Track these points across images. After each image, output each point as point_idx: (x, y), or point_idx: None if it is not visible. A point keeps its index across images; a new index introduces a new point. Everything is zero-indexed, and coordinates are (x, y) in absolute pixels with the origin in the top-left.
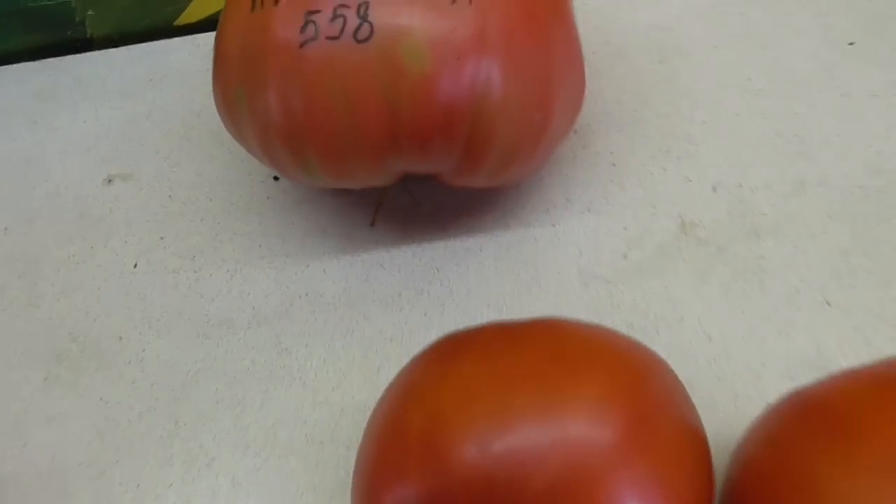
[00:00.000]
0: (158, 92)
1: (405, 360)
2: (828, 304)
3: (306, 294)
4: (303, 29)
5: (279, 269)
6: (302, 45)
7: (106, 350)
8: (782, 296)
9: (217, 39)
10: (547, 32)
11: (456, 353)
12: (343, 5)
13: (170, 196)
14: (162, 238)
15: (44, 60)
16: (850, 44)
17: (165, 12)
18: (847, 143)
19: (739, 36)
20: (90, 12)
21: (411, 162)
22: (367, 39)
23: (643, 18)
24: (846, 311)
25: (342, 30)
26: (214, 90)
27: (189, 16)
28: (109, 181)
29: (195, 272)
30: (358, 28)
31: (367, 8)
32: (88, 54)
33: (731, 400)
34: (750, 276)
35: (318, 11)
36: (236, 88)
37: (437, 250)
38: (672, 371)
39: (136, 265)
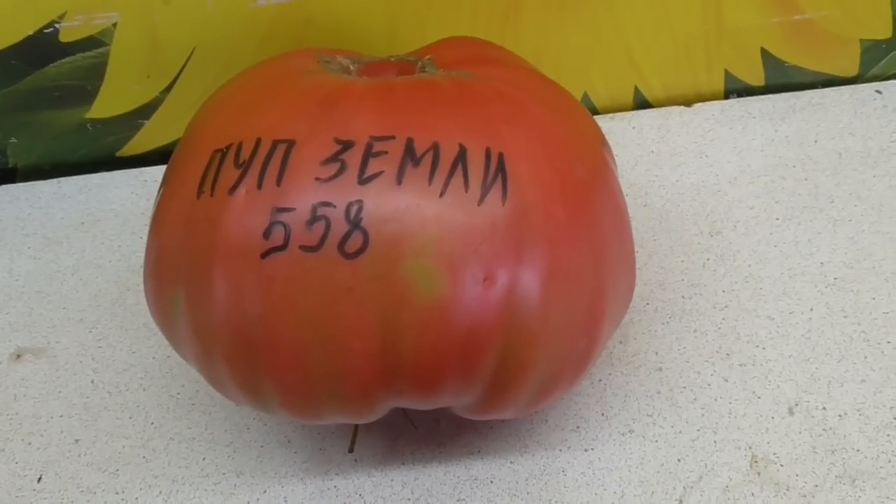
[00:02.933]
0: (91, 240)
1: None
2: None
3: None
4: (267, 232)
5: (227, 494)
6: (265, 255)
7: None
8: None
9: (152, 225)
10: (595, 219)
11: None
12: (326, 203)
13: (92, 382)
14: (77, 441)
15: None
16: None
17: (106, 142)
18: None
19: (806, 207)
20: (12, 140)
21: (412, 402)
22: (358, 253)
23: (689, 178)
24: None
25: (323, 238)
26: (145, 285)
27: (136, 146)
28: (17, 357)
29: (116, 493)
30: (346, 237)
31: (360, 209)
32: (8, 187)
33: None
34: None
35: (289, 210)
36: (172, 289)
37: (435, 478)
38: None
39: (40, 478)
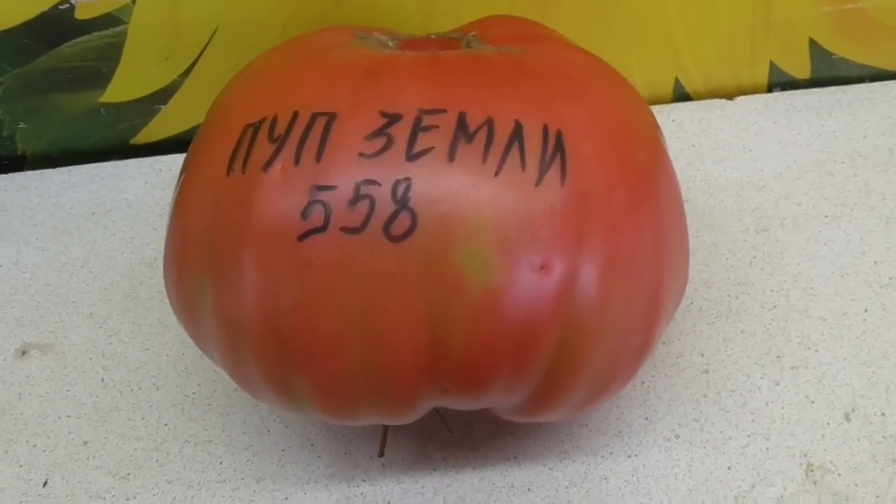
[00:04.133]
0: (102, 231)
1: None
2: None
3: None
4: (305, 212)
5: (246, 500)
6: (302, 238)
7: None
8: None
9: (174, 208)
10: (657, 206)
11: None
12: (370, 181)
13: (102, 380)
14: (86, 443)
15: None
16: None
17: (120, 128)
18: None
19: (856, 204)
20: (22, 125)
21: (457, 402)
22: (405, 236)
23: (733, 173)
24: None
25: (367, 219)
26: (166, 274)
27: (151, 133)
28: (23, 353)
29: (127, 499)
30: (392, 218)
31: (408, 188)
32: (16, 175)
33: None
34: None
35: (330, 188)
36: (197, 277)
37: (469, 485)
38: None
39: (45, 483)
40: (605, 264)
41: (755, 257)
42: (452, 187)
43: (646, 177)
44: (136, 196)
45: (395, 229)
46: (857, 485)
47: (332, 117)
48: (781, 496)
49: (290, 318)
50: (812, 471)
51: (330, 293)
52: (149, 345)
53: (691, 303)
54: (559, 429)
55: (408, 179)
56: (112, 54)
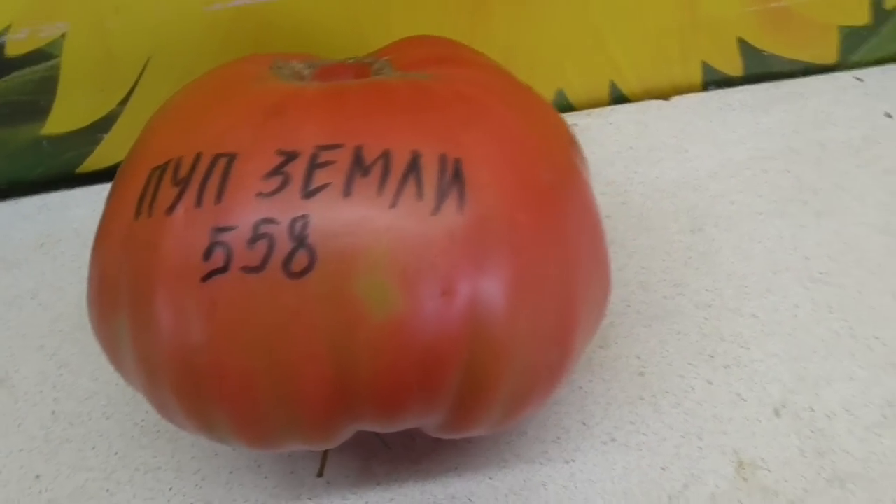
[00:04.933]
0: (51, 262)
1: None
2: None
3: None
4: (207, 254)
5: None
6: (205, 279)
7: None
8: None
9: (93, 250)
10: (564, 224)
11: None
12: (268, 220)
13: (53, 412)
14: (38, 477)
15: None
16: None
17: (65, 158)
18: None
19: (788, 200)
20: None
21: (375, 425)
22: (305, 272)
23: (669, 174)
24: None
25: (267, 257)
26: (89, 314)
27: (96, 161)
28: None
29: None
30: (291, 255)
31: (305, 224)
32: None
33: None
34: None
35: (230, 229)
36: (116, 317)
37: (411, 498)
38: None
39: None
40: (509, 286)
41: (690, 257)
42: (349, 221)
43: (550, 197)
44: (83, 225)
45: (295, 266)
46: (786, 480)
47: (232, 158)
48: (713, 494)
49: (202, 356)
50: (743, 468)
51: (236, 331)
52: (98, 374)
53: (629, 305)
54: (499, 438)
55: (305, 216)
56: (48, 87)
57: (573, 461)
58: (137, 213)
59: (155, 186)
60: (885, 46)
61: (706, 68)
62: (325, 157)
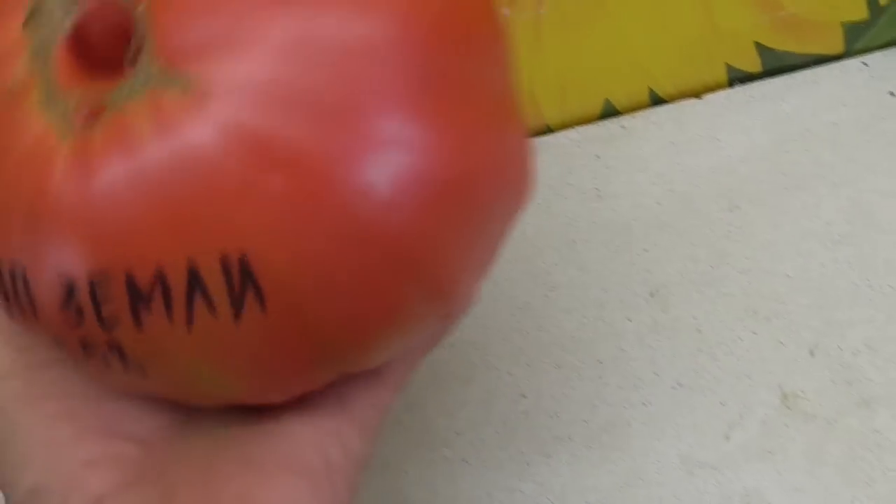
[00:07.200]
0: None
1: None
2: None
3: None
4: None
5: None
6: None
7: None
8: None
9: None
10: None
11: None
12: (87, 344)
13: None
14: None
15: None
16: None
17: None
18: None
19: (809, 175)
20: None
21: None
22: None
23: (705, 162)
24: None
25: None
26: None
27: None
28: None
29: None
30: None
31: (122, 354)
32: None
33: None
34: (867, 455)
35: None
36: None
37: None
38: None
39: None
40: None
41: (730, 231)
42: (149, 352)
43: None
44: None
45: None
46: (821, 405)
47: (24, 272)
48: (763, 420)
49: None
50: (787, 398)
51: None
52: None
53: (682, 276)
54: (587, 389)
55: (118, 347)
56: None
57: (650, 404)
58: None
59: None
60: (884, 34)
61: (729, 69)
62: (101, 290)
